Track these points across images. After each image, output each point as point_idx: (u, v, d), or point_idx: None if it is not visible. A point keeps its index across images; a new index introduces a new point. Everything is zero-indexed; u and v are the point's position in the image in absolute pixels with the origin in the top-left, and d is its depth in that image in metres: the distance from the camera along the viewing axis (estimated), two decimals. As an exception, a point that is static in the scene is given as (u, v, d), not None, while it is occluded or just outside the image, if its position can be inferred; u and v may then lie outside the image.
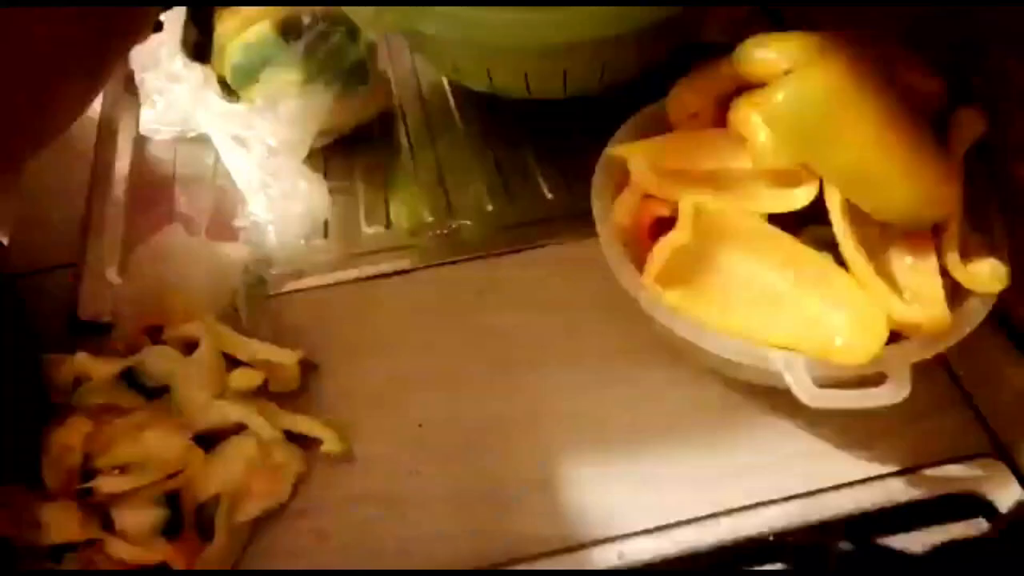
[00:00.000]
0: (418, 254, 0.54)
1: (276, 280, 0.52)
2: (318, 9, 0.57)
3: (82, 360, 0.43)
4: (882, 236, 0.39)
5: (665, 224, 0.39)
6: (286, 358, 0.45)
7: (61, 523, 0.39)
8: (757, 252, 0.38)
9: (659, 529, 0.40)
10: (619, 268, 0.41)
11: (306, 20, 0.56)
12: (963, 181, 0.39)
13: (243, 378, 0.44)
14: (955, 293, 0.38)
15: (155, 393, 0.43)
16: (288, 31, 0.56)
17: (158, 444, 0.41)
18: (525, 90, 0.56)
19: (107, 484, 0.39)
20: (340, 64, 0.56)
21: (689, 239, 0.37)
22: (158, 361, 0.43)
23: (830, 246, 0.38)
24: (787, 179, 0.39)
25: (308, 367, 0.46)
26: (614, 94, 0.57)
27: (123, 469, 0.40)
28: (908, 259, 0.39)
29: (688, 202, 0.38)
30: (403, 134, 0.63)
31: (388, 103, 0.63)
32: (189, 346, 0.45)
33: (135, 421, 0.42)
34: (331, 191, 0.58)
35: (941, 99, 0.40)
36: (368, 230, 0.56)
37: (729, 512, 0.40)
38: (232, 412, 0.43)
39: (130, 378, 0.43)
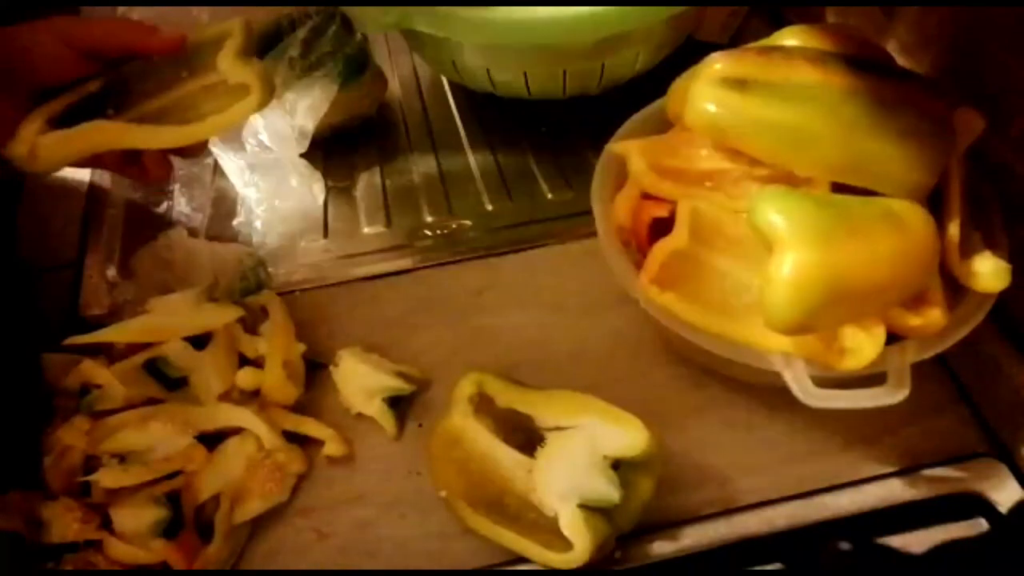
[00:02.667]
0: (418, 254, 0.54)
1: (276, 280, 0.52)
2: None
3: (88, 366, 0.43)
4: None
5: (664, 225, 0.39)
6: (290, 353, 0.45)
7: (61, 523, 0.39)
8: (754, 256, 0.38)
9: (659, 528, 0.40)
10: (618, 268, 0.41)
11: (301, 14, 0.56)
12: (963, 180, 0.39)
13: (248, 377, 0.44)
14: (955, 293, 0.38)
15: (175, 385, 0.44)
16: (284, 25, 0.56)
17: (162, 438, 0.41)
18: (525, 90, 0.56)
19: (107, 478, 0.40)
20: (337, 57, 0.56)
21: (686, 243, 0.37)
22: (181, 351, 0.44)
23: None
24: (784, 179, 0.39)
25: (309, 366, 0.46)
26: (614, 94, 0.57)
27: (124, 459, 0.41)
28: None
29: (686, 206, 0.38)
30: (403, 134, 0.63)
31: (386, 95, 0.63)
32: (196, 343, 0.45)
33: (142, 414, 0.42)
34: (331, 190, 0.58)
35: (940, 97, 0.40)
36: (368, 230, 0.56)
37: (729, 512, 0.40)
38: (236, 413, 0.43)
39: (153, 368, 0.43)
